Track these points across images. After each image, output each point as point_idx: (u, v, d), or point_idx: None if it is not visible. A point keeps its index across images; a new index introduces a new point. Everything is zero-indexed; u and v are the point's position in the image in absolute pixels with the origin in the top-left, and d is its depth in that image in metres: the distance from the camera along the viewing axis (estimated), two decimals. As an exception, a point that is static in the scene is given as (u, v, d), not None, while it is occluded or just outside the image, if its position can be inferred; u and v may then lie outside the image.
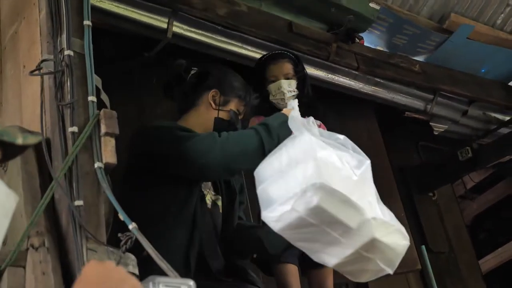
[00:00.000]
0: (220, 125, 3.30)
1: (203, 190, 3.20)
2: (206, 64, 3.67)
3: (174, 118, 4.26)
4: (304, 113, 4.17)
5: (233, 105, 3.39)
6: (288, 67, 4.07)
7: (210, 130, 3.24)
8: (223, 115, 3.35)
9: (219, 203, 3.33)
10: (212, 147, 2.94)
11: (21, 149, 1.73)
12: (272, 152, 2.69)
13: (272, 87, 4.03)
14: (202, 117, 3.34)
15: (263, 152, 2.91)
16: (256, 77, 4.11)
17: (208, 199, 3.25)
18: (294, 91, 4.05)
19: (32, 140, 1.76)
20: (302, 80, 4.12)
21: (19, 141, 1.65)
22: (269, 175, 2.62)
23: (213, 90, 3.39)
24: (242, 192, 3.50)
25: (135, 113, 4.39)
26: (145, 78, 4.51)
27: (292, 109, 3.17)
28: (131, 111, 4.35)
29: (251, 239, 3.32)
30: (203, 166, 2.94)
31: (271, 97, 4.04)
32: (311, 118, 2.96)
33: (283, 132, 2.99)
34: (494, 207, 8.89)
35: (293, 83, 4.04)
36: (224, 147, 2.94)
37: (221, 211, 3.34)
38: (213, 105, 3.36)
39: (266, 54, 4.24)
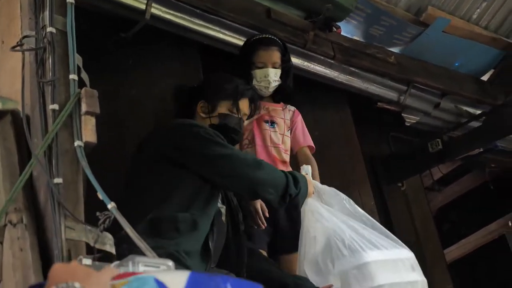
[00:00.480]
0: (217, 131, 3.41)
1: None
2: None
3: (147, 99, 4.29)
4: (281, 100, 4.23)
5: (222, 108, 3.62)
6: (277, 56, 4.12)
7: None
8: (215, 121, 3.57)
9: (223, 211, 3.43)
10: (256, 165, 3.25)
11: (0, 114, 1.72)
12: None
13: (258, 73, 4.07)
14: None
15: (284, 194, 3.28)
16: (242, 58, 4.14)
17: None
18: (278, 81, 4.10)
19: (11, 105, 1.75)
20: (287, 70, 4.17)
21: None
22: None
23: (200, 102, 3.64)
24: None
25: (110, 94, 4.34)
26: (121, 59, 4.47)
27: (306, 174, 3.67)
28: (106, 92, 4.30)
29: (275, 281, 3.38)
30: (241, 177, 3.21)
31: (254, 82, 4.07)
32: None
33: (304, 189, 3.41)
34: (459, 199, 9.01)
35: (279, 72, 4.11)
36: (263, 169, 3.24)
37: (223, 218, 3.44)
38: (203, 115, 3.61)
39: (257, 36, 4.29)
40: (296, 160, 4.33)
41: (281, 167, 4.06)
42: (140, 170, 3.25)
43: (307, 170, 3.72)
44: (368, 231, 3.41)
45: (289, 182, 3.28)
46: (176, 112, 3.92)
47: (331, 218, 3.44)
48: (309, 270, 3.39)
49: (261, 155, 4.06)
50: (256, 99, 3.83)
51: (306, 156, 4.30)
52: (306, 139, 4.34)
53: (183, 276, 1.53)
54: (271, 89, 4.14)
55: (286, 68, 4.20)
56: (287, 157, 4.22)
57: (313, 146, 4.37)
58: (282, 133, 4.23)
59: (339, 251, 3.29)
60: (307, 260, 3.40)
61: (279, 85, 4.17)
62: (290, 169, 4.17)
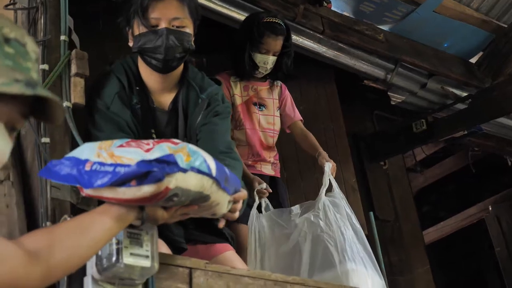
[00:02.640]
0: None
1: None
2: None
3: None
4: (272, 77, 4.23)
5: (135, 29, 2.84)
6: (280, 44, 4.12)
7: None
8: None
9: None
10: None
11: None
12: None
13: (258, 57, 4.08)
14: None
15: None
16: (247, 35, 4.11)
17: None
18: (272, 67, 4.11)
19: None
20: (288, 54, 4.19)
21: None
22: None
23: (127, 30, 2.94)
24: None
25: (98, 58, 4.32)
26: (110, 24, 4.45)
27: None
28: (93, 56, 4.29)
29: None
30: None
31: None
32: None
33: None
34: (440, 182, 9.05)
35: (275, 59, 4.09)
36: None
37: None
38: (131, 45, 2.93)
39: (267, 18, 4.15)
40: (290, 136, 4.35)
41: (266, 153, 4.15)
42: None
43: (327, 168, 3.86)
44: (358, 247, 3.52)
45: None
46: None
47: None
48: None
49: (252, 138, 4.11)
50: None
51: (302, 130, 4.32)
52: (296, 113, 4.36)
53: (213, 160, 1.96)
54: (264, 74, 4.17)
55: (288, 52, 4.18)
56: (273, 141, 4.25)
57: (302, 119, 4.39)
58: (272, 114, 4.26)
59: (331, 256, 3.41)
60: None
61: (278, 64, 4.17)
62: (275, 153, 4.24)
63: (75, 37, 2.60)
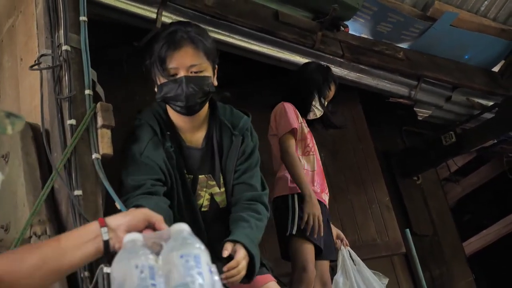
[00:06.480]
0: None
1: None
2: None
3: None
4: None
5: (158, 80, 2.95)
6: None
7: None
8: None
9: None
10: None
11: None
12: None
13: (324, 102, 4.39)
14: None
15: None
16: (324, 82, 4.40)
17: None
18: None
19: (19, 126, 1.76)
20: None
21: (9, 131, 1.68)
22: None
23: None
24: None
25: (124, 102, 4.42)
26: (134, 67, 4.55)
27: None
28: (120, 100, 4.40)
29: None
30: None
31: (319, 104, 4.37)
32: None
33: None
34: (479, 190, 8.98)
35: None
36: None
37: None
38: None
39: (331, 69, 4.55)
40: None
41: (323, 182, 4.28)
42: None
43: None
44: None
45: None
46: None
47: None
48: None
49: (318, 166, 4.24)
50: (197, 39, 2.94)
51: None
52: None
53: None
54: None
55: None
56: None
57: None
58: None
59: None
60: None
61: None
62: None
63: (99, 89, 2.67)
